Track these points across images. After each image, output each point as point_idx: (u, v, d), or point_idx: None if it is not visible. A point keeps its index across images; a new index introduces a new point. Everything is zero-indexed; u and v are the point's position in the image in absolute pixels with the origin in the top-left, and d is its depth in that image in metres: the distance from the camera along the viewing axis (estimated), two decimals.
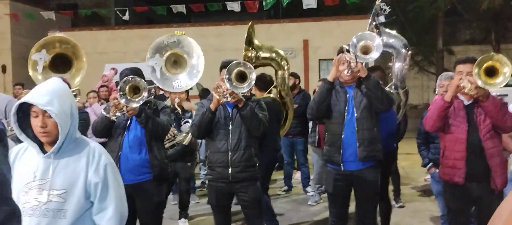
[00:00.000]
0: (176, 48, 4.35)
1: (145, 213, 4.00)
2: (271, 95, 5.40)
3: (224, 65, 3.93)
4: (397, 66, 5.58)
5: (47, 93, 2.24)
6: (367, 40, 3.82)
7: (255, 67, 5.57)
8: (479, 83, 3.48)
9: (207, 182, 7.78)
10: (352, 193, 4.14)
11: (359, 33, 3.87)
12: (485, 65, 3.56)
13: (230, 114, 4.00)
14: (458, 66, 3.71)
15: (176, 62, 4.40)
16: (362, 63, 3.91)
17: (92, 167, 2.36)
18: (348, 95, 3.96)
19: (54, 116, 2.22)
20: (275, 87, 5.49)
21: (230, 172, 3.94)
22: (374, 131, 3.93)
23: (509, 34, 21.24)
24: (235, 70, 3.86)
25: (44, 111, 2.24)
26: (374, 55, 3.81)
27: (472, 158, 3.58)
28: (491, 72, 3.59)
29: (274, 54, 5.66)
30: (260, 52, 5.53)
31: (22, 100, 2.26)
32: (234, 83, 3.82)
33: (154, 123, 3.91)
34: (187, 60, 4.32)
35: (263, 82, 5.28)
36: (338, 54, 4.04)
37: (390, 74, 5.63)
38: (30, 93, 2.28)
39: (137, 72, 3.99)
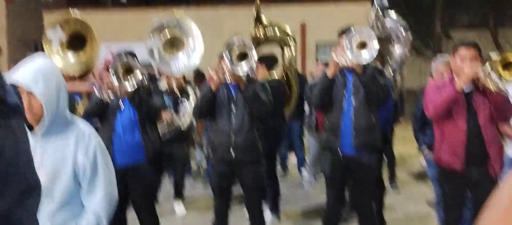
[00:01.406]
0: (175, 30, 4.31)
1: (138, 195, 3.99)
2: (275, 74, 5.39)
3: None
4: (398, 50, 5.55)
5: (32, 71, 2.16)
6: (363, 36, 3.76)
7: (262, 44, 5.55)
8: (496, 77, 3.45)
9: (203, 164, 7.87)
10: None
11: (357, 29, 3.81)
12: (506, 59, 3.53)
13: (234, 96, 3.97)
14: (461, 50, 3.60)
15: (173, 44, 4.37)
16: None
17: (82, 149, 2.31)
18: (347, 81, 3.95)
19: (38, 95, 2.15)
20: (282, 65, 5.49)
21: (232, 154, 3.92)
22: (371, 119, 3.92)
23: (508, 19, 21.17)
24: (236, 50, 3.83)
25: (29, 91, 2.17)
26: (368, 56, 3.75)
27: (471, 144, 3.57)
28: (506, 65, 3.56)
29: (282, 33, 5.62)
30: (269, 30, 5.49)
31: None
32: (234, 62, 3.79)
33: (148, 105, 3.89)
34: (185, 42, 4.29)
35: (270, 60, 5.27)
36: (339, 36, 4.01)
37: (390, 60, 5.60)
38: (16, 72, 2.19)
39: (131, 53, 3.95)
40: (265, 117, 4.05)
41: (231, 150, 3.91)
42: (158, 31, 4.17)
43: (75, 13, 4.66)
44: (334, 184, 4.08)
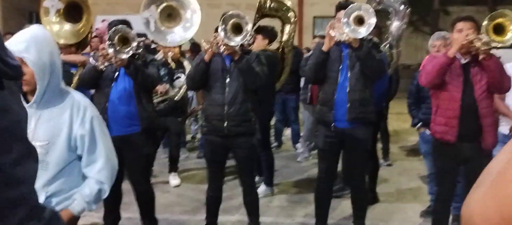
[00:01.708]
0: (172, 1, 4.27)
1: (133, 165, 4.00)
2: (270, 48, 5.41)
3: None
4: (395, 24, 5.53)
5: (25, 40, 2.16)
6: (361, 11, 3.74)
7: (265, 16, 5.58)
8: (486, 39, 3.46)
9: (197, 136, 7.90)
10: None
11: (356, 4, 3.78)
12: (495, 21, 3.53)
13: (228, 67, 3.95)
14: (458, 23, 3.63)
15: (171, 15, 4.33)
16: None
17: (77, 120, 2.33)
18: (343, 54, 3.94)
19: (30, 63, 2.15)
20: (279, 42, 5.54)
21: (225, 125, 3.92)
22: (365, 92, 3.93)
23: None
24: (231, 22, 3.80)
25: (21, 59, 2.16)
26: (364, 32, 3.73)
27: (465, 117, 3.60)
28: (498, 30, 3.57)
29: (284, 8, 5.65)
30: (273, 3, 5.52)
31: None
32: (228, 35, 3.77)
33: (144, 75, 3.87)
34: (181, 14, 4.25)
35: (270, 34, 5.30)
36: (336, 11, 3.99)
37: (387, 35, 5.59)
38: (9, 40, 2.19)
39: (126, 23, 3.92)
40: (259, 89, 4.05)
41: (224, 121, 3.92)
42: (155, 1, 4.13)
43: None
44: (326, 157, 4.12)
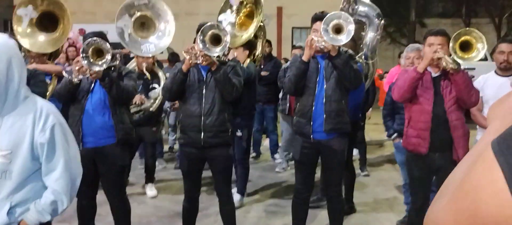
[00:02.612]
0: (147, 10, 4.25)
1: (108, 177, 3.96)
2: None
3: (200, 27, 3.85)
4: (370, 36, 5.60)
5: None
6: (341, 20, 3.77)
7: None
8: (454, 56, 3.54)
9: (175, 147, 7.84)
10: (319, 161, 4.21)
11: (332, 12, 3.82)
12: (461, 39, 3.62)
13: (204, 78, 3.94)
14: (429, 38, 3.71)
15: (144, 24, 4.31)
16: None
17: (38, 127, 2.27)
18: (319, 65, 3.96)
19: None
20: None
21: (202, 137, 3.90)
22: (342, 103, 3.95)
23: (480, 9, 21.58)
24: (209, 33, 3.79)
25: None
26: (344, 39, 3.76)
27: (436, 129, 3.66)
28: (465, 47, 3.66)
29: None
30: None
31: None
32: (207, 45, 3.76)
33: (118, 88, 3.82)
34: (156, 24, 4.23)
35: (252, 45, 5.35)
36: (312, 23, 4.01)
37: (361, 45, 5.66)
38: None
39: (101, 35, 3.88)
40: (235, 100, 4.04)
41: (201, 132, 3.90)
42: (129, 11, 4.11)
43: None
44: (303, 168, 4.12)
